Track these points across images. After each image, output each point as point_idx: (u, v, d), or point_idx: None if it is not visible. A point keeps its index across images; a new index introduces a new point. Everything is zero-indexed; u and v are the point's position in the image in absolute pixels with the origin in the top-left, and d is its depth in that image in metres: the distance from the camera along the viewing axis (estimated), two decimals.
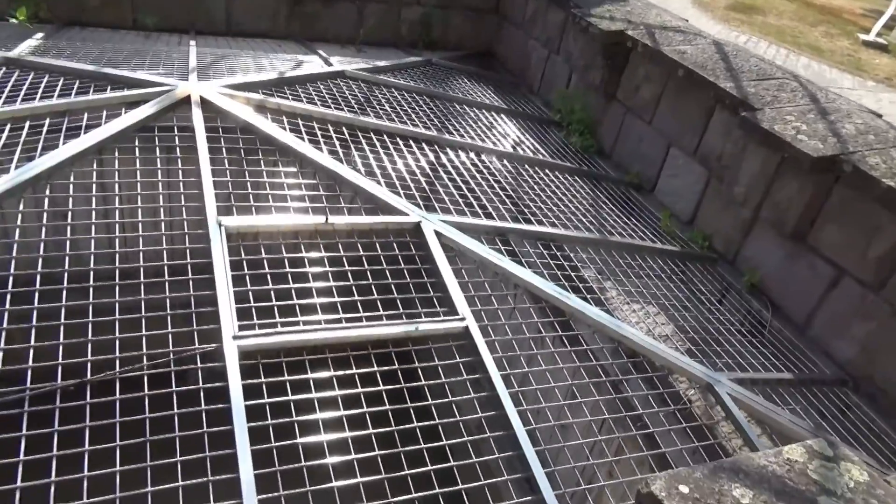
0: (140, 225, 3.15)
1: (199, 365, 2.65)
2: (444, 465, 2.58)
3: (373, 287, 3.21)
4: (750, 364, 3.61)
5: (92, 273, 2.88)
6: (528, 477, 2.57)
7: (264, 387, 2.64)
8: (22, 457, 2.23)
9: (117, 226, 3.15)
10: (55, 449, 2.28)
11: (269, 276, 3.06)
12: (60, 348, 2.56)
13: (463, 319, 3.12)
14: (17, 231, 2.99)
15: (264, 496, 2.27)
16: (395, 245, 3.48)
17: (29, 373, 2.46)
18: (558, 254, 4.00)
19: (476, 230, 3.78)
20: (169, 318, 2.79)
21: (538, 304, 3.49)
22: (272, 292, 3.00)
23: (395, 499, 2.43)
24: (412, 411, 2.75)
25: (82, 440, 2.32)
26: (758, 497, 1.51)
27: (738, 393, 3.22)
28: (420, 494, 2.46)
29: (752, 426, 3.06)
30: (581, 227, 4.36)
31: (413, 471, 2.55)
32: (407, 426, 2.69)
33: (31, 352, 2.52)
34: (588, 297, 3.69)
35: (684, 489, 1.51)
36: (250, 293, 2.95)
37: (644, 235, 4.65)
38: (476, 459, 2.66)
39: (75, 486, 2.22)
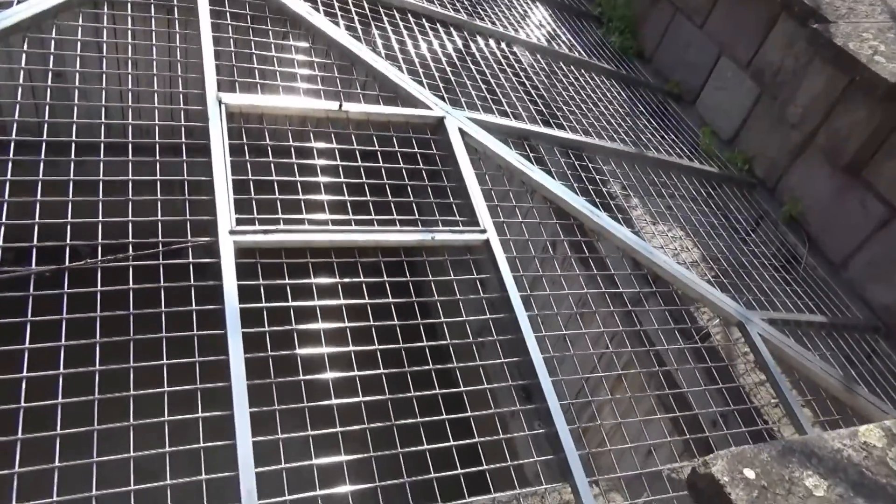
0: (129, 94, 2.76)
1: (190, 259, 2.37)
2: (454, 390, 2.37)
3: (387, 187, 2.89)
4: (782, 303, 3.36)
5: (74, 145, 2.51)
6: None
7: (262, 289, 2.38)
8: None
9: (103, 92, 2.76)
10: (27, 341, 2.03)
11: (272, 166, 2.72)
12: (35, 228, 2.25)
13: (484, 232, 2.82)
14: None
15: (257, 409, 2.08)
16: (414, 142, 3.11)
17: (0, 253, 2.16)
18: (584, 164, 3.62)
19: (503, 131, 3.39)
20: (159, 203, 2.47)
21: (565, 220, 3.16)
22: (275, 184, 2.66)
23: (399, 422, 2.23)
24: (422, 328, 2.51)
25: (58, 334, 2.08)
26: (832, 489, 1.27)
27: (770, 334, 2.97)
28: (427, 419, 2.25)
29: (781, 371, 2.82)
30: (612, 136, 3.96)
31: (420, 393, 2.34)
32: (416, 344, 2.45)
33: (2, 229, 2.21)
34: (618, 216, 3.35)
35: (750, 474, 1.27)
36: (251, 183, 2.61)
37: (680, 152, 4.26)
38: (487, 386, 2.44)
39: (49, 384, 2.00)
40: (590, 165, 3.65)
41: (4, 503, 1.81)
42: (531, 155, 3.36)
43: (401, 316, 2.52)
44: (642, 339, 3.18)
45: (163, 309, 2.22)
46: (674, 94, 4.96)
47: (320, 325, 2.40)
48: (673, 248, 3.53)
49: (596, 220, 3.13)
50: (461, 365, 2.48)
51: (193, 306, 2.24)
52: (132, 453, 1.96)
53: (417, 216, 2.82)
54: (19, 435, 1.90)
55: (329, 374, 2.28)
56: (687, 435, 2.68)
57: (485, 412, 2.39)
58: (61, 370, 2.03)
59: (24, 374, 1.99)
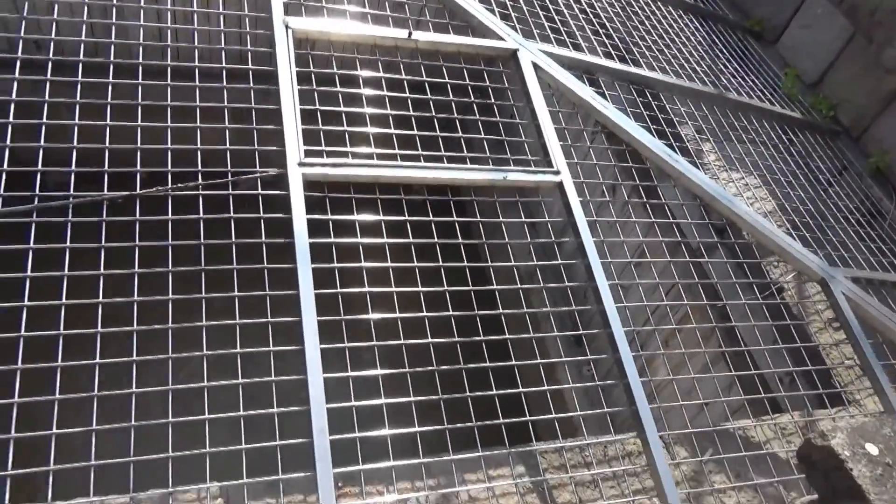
0: (195, 16, 2.63)
1: (259, 191, 2.29)
2: (527, 336, 2.28)
3: (457, 122, 2.73)
4: (865, 260, 3.14)
5: (141, 68, 2.42)
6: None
7: (331, 224, 2.29)
8: (66, 271, 1.98)
9: (168, 14, 2.63)
10: (102, 267, 2.00)
11: (340, 96, 2.57)
12: (107, 153, 2.18)
13: (557, 173, 2.66)
14: (56, 7, 2.50)
15: (328, 346, 2.02)
16: (485, 75, 2.92)
17: (72, 178, 2.11)
18: (658, 103, 3.38)
19: (577, 66, 3.16)
20: (227, 132, 2.37)
21: (640, 163, 2.97)
22: (343, 115, 2.53)
23: (469, 365, 2.16)
24: (491, 271, 2.40)
25: (131, 261, 2.04)
26: None
27: (854, 293, 2.78)
28: (500, 364, 2.17)
29: (865, 333, 2.65)
30: (687, 75, 3.67)
31: (488, 338, 2.26)
32: (485, 287, 2.36)
33: (74, 154, 2.15)
34: (694, 161, 3.14)
35: (872, 449, 1.15)
36: (318, 113, 2.48)
37: (760, 94, 3.96)
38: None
39: (122, 311, 1.98)
40: (665, 105, 3.40)
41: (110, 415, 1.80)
42: (606, 93, 3.14)
43: (471, 257, 2.41)
44: (710, 291, 3.04)
45: (233, 240, 2.17)
46: (754, 33, 4.60)
47: (389, 264, 2.30)
48: (748, 196, 3.31)
49: (674, 164, 2.93)
50: (533, 311, 2.37)
51: (263, 238, 2.18)
52: (206, 383, 1.93)
53: (489, 154, 2.66)
54: (97, 359, 1.88)
55: (399, 314, 2.20)
56: (742, 394, 2.54)
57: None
58: (135, 297, 2.00)
59: (101, 299, 1.96)
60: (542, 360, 2.29)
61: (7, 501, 1.60)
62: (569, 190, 2.61)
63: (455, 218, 2.49)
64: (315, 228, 2.20)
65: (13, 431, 1.71)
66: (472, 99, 2.81)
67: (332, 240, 2.26)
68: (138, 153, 2.24)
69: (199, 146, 2.30)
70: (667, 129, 3.25)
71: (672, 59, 3.73)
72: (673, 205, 3.04)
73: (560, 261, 2.53)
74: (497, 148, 2.75)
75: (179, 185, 2.19)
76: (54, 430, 1.74)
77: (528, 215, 2.59)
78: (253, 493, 1.85)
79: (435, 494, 2.00)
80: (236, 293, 2.09)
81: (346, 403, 2.00)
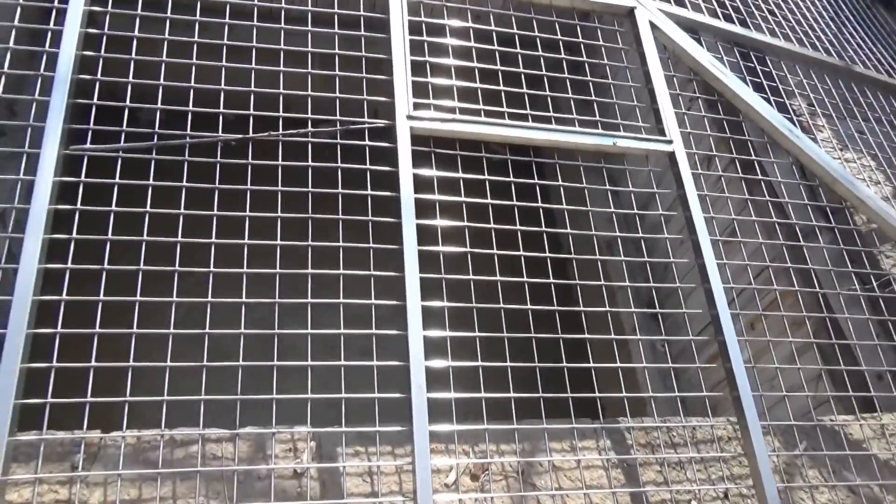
0: None
1: (366, 141, 2.24)
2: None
3: (568, 83, 2.57)
4: None
5: (256, 9, 2.36)
6: None
7: (435, 181, 2.21)
8: (183, 209, 2.00)
9: None
10: (216, 207, 2.01)
11: (450, 48, 2.46)
12: (222, 94, 2.15)
13: (670, 143, 2.48)
14: None
15: (429, 303, 1.97)
16: (599, 34, 2.72)
17: (189, 117, 2.10)
18: (766, 70, 3.08)
19: (695, 28, 2.91)
20: (337, 79, 2.31)
21: (757, 136, 2.74)
22: (452, 69, 2.41)
23: (567, 335, 2.07)
24: (594, 242, 2.29)
25: (242, 203, 2.03)
26: None
27: None
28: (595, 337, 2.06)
29: None
30: (802, 40, 3.35)
31: (588, 309, 2.16)
32: (585, 256, 2.25)
33: (192, 93, 2.13)
34: (812, 137, 2.88)
35: None
36: (428, 66, 2.37)
37: (889, 68, 3.58)
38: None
39: (234, 251, 1.99)
40: (767, 70, 3.10)
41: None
42: (726, 59, 2.89)
43: (547, 223, 2.30)
44: (806, 277, 2.83)
45: (339, 190, 2.13)
46: (885, 0, 4.14)
47: (492, 225, 2.21)
48: (862, 178, 3.03)
49: (794, 139, 2.70)
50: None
51: (369, 190, 2.13)
52: (309, 330, 1.92)
53: (598, 117, 2.50)
54: (209, 298, 1.89)
55: (499, 278, 2.13)
56: (831, 389, 2.37)
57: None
58: (246, 240, 1.99)
59: (213, 239, 1.96)
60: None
61: (85, 427, 1.65)
62: (681, 161, 2.44)
63: (561, 182, 2.36)
64: (434, 185, 2.16)
65: (93, 361, 1.75)
66: (585, 58, 2.63)
67: (437, 196, 2.19)
68: (252, 96, 2.20)
69: (309, 93, 2.24)
70: (779, 99, 2.98)
71: (783, 21, 3.38)
72: (775, 182, 2.82)
73: (665, 235, 2.38)
74: (609, 111, 2.58)
75: (291, 132, 2.14)
76: (131, 362, 1.77)
77: (611, 183, 2.45)
78: (342, 441, 1.86)
79: (522, 461, 1.97)
80: (340, 243, 2.05)
81: (444, 363, 1.96)
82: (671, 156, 2.46)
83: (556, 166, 2.43)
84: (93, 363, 1.76)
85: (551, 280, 2.21)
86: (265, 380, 1.85)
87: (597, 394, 2.07)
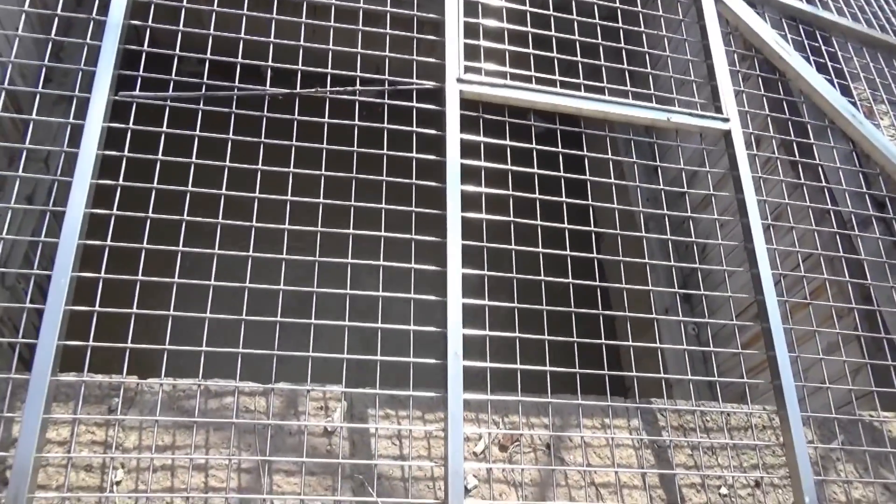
0: None
1: (414, 103, 2.14)
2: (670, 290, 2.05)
3: (623, 53, 2.41)
4: None
5: None
6: None
7: (482, 147, 2.11)
8: (228, 162, 1.94)
9: None
10: (260, 162, 1.94)
11: (503, 12, 2.32)
12: (271, 48, 2.06)
13: (727, 121, 2.32)
14: None
15: (470, 271, 1.89)
16: (659, 4, 2.54)
17: (238, 69, 2.01)
18: (831, 51, 2.86)
19: (760, 4, 2.70)
20: (387, 38, 2.21)
21: (818, 120, 2.55)
22: (505, 32, 2.28)
23: (606, 312, 1.97)
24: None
25: (286, 159, 1.96)
26: None
27: None
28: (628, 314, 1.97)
29: None
30: (878, 24, 3.11)
31: (630, 286, 2.04)
32: (626, 233, 2.12)
33: (241, 44, 2.05)
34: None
35: None
36: (480, 27, 2.24)
37: None
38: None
39: (276, 207, 1.93)
40: (838, 54, 2.87)
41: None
42: (788, 36, 2.68)
43: (622, 199, 2.17)
44: (855, 268, 2.66)
45: (384, 151, 2.04)
46: None
47: (537, 196, 2.10)
48: None
49: (857, 125, 2.51)
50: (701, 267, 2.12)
51: (414, 153, 2.06)
52: (348, 290, 1.86)
53: (653, 90, 2.35)
54: (250, 253, 1.85)
55: (541, 249, 2.04)
56: (872, 383, 2.23)
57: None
58: (288, 197, 1.92)
59: (257, 194, 1.90)
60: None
61: (125, 372, 1.66)
62: (737, 140, 2.28)
63: (610, 156, 2.23)
64: (481, 151, 2.08)
65: (135, 307, 1.72)
66: (643, 28, 2.46)
67: (483, 163, 2.09)
68: (300, 51, 2.10)
69: (359, 50, 2.13)
70: (841, 82, 2.76)
71: (865, 5, 3.13)
72: (828, 168, 2.63)
73: (715, 216, 2.24)
74: (664, 85, 2.42)
75: (338, 88, 2.04)
76: (171, 311, 1.74)
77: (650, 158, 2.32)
78: (375, 403, 1.82)
79: (552, 434, 1.91)
80: (383, 205, 1.97)
81: (481, 332, 1.89)
82: (727, 135, 2.31)
83: (606, 139, 2.28)
84: (134, 310, 1.72)
85: (594, 255, 2.10)
86: (298, 338, 1.82)
87: (633, 373, 1.97)
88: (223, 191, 1.87)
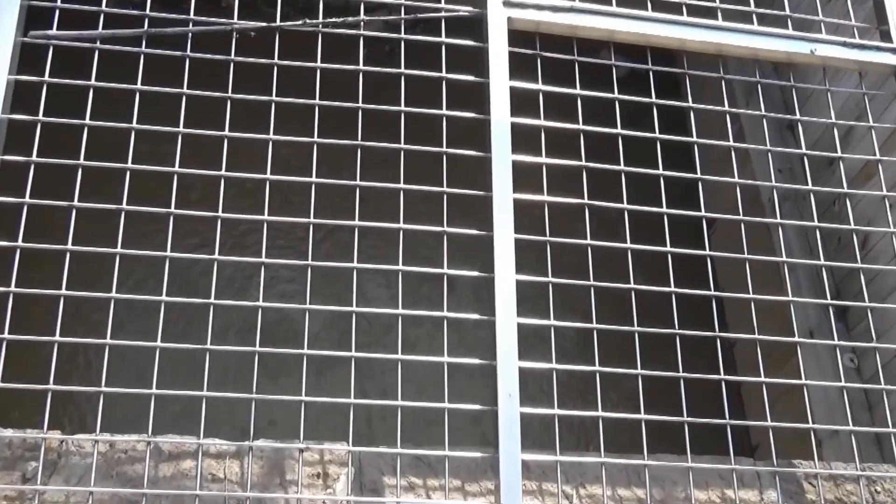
0: None
1: (443, 38, 2.12)
2: None
3: None
4: None
5: None
6: None
7: (541, 99, 2.10)
8: (182, 128, 1.95)
9: None
10: (227, 126, 1.96)
11: None
12: None
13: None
14: None
15: (528, 277, 1.92)
16: None
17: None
18: None
19: None
20: None
21: None
22: None
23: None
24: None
25: (263, 122, 1.99)
26: None
27: None
28: None
29: None
30: None
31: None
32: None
33: None
34: None
35: None
36: None
37: None
38: None
39: (253, 190, 1.94)
40: None
41: None
42: None
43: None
44: None
45: (402, 108, 2.05)
46: None
47: (621, 167, 2.09)
48: None
49: None
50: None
51: (444, 110, 2.05)
52: (353, 307, 1.86)
53: (788, 11, 2.32)
54: (215, 256, 1.85)
55: (629, 245, 2.03)
56: None
57: None
58: (267, 176, 1.93)
59: (223, 172, 1.92)
60: None
61: (45, 426, 1.66)
62: None
63: (727, 107, 2.20)
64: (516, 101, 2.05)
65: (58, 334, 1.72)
66: None
67: (542, 121, 2.06)
68: None
69: None
70: None
71: None
72: None
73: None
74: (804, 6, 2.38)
75: (335, 20, 2.06)
76: (108, 339, 1.73)
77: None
78: (395, 467, 1.79)
79: None
80: (401, 185, 1.98)
81: (544, 364, 1.88)
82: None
83: (720, 84, 2.27)
84: (57, 337, 1.72)
85: (706, 251, 2.07)
86: (285, 376, 1.91)
87: (768, 422, 1.93)
88: (176, 168, 1.87)
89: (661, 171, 2.10)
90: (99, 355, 1.77)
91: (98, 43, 1.95)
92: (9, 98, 1.83)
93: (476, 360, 1.83)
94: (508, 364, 1.77)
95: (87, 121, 1.88)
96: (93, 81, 1.91)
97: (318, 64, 2.03)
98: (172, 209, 1.84)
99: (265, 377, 1.88)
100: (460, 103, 2.05)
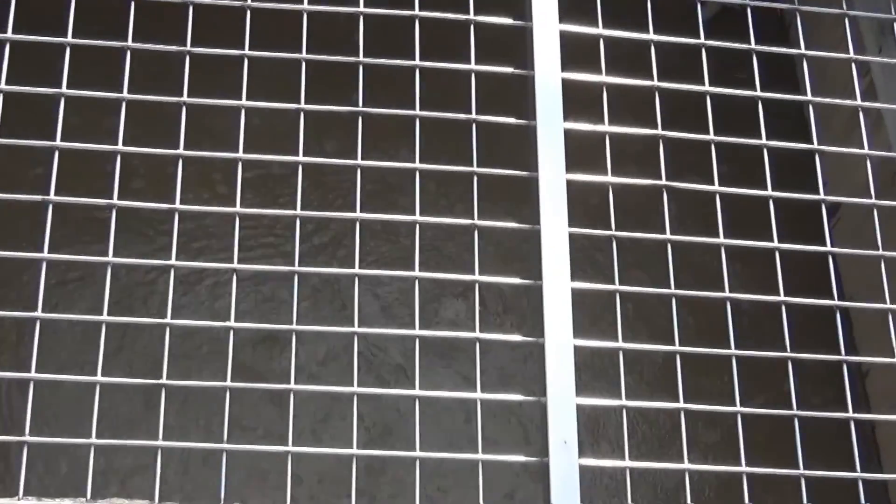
0: None
1: None
2: None
3: None
4: None
5: None
6: None
7: (601, 46, 2.06)
8: (125, 93, 1.92)
9: None
10: (185, 91, 1.93)
11: None
12: None
13: None
14: None
15: (587, 285, 1.94)
16: None
17: None
18: None
19: None
20: None
21: None
22: None
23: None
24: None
25: (233, 83, 1.96)
26: None
27: None
28: None
29: None
30: None
31: None
32: None
33: None
34: None
35: None
36: None
37: None
38: None
39: (223, 172, 1.88)
40: None
41: None
42: None
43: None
44: None
45: (416, 62, 1.99)
46: None
47: (711, 136, 2.04)
48: None
49: None
50: None
51: (472, 63, 2.01)
52: (355, 328, 1.81)
53: None
54: (172, 261, 1.84)
55: (722, 240, 1.96)
56: None
57: None
58: (240, 154, 1.90)
59: (181, 150, 1.89)
60: None
61: None
62: None
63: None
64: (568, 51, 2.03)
65: None
66: None
67: (603, 77, 2.02)
68: None
69: None
70: None
71: None
72: None
73: None
74: None
75: None
76: (33, 372, 1.74)
77: None
78: None
79: None
80: (416, 164, 1.91)
81: (610, 400, 1.84)
82: None
83: (842, 23, 2.19)
84: None
85: (827, 247, 2.05)
86: (265, 420, 1.90)
87: None
88: (118, 146, 1.83)
89: (763, 141, 2.05)
90: (23, 391, 1.78)
91: None
92: None
93: (519, 397, 1.83)
94: (563, 401, 1.70)
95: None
96: (9, 34, 1.89)
97: (305, 6, 2.01)
98: (115, 200, 1.79)
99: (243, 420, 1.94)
100: (494, 55, 2.02)
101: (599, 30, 2.06)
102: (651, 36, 2.09)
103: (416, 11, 2.03)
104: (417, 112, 1.94)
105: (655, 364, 1.97)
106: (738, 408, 1.84)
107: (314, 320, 1.90)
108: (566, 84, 1.94)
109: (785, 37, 2.31)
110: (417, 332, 1.82)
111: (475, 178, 1.92)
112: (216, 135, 1.92)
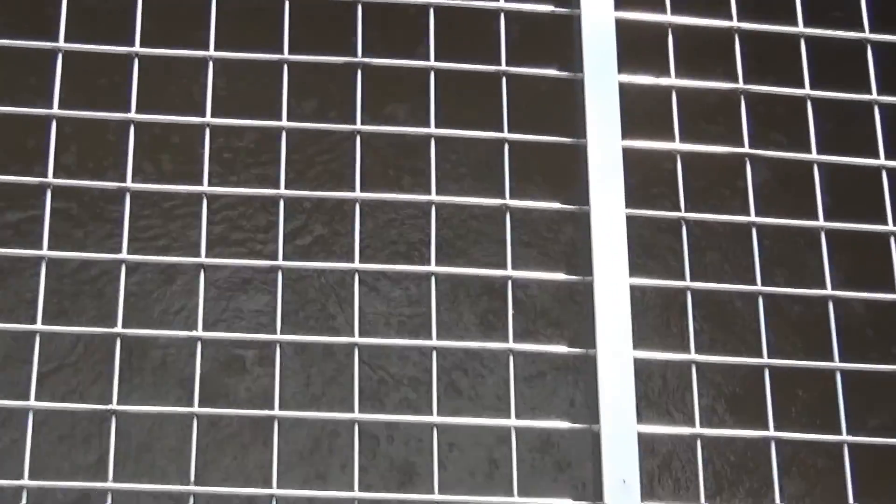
0: None
1: None
2: None
3: None
4: None
5: None
6: None
7: None
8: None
9: None
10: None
11: None
12: None
13: None
14: None
15: (649, 281, 2.00)
16: None
17: None
18: None
19: None
20: None
21: None
22: None
23: None
24: None
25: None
26: None
27: None
28: None
29: None
30: None
31: None
32: None
33: None
34: None
35: None
36: None
37: None
38: None
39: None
40: None
41: None
42: None
43: None
44: None
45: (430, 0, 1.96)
46: None
47: (808, 91, 1.96)
48: None
49: None
50: None
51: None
52: (355, 337, 1.80)
53: None
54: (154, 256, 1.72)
55: (822, 222, 1.90)
56: None
57: None
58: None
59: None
60: None
61: None
62: None
63: None
64: None
65: None
66: None
67: (669, 17, 1.97)
68: None
69: None
70: None
71: None
72: None
73: None
74: None
75: None
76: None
77: None
78: None
79: None
80: (437, 129, 1.86)
81: (680, 428, 1.86)
82: None
83: None
84: None
85: None
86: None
87: None
88: (55, 109, 1.78)
89: (874, 96, 1.99)
90: None
91: None
92: None
93: (564, 424, 1.72)
94: (621, 431, 1.66)
95: None
96: None
97: None
98: (51, 178, 1.74)
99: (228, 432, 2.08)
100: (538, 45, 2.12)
101: None
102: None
103: None
104: (431, 63, 1.89)
105: (737, 377, 1.89)
106: (844, 436, 1.76)
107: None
108: (621, 25, 1.89)
109: None
110: (434, 342, 1.78)
111: (506, 146, 1.87)
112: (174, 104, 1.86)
